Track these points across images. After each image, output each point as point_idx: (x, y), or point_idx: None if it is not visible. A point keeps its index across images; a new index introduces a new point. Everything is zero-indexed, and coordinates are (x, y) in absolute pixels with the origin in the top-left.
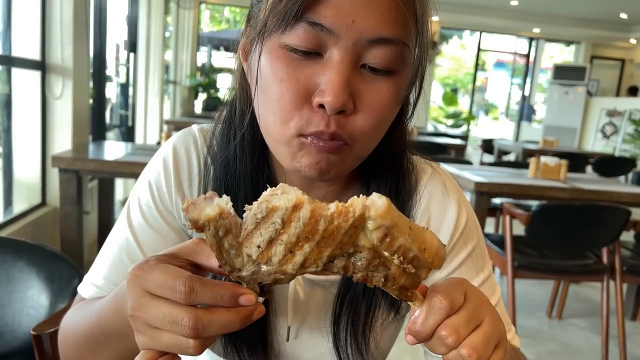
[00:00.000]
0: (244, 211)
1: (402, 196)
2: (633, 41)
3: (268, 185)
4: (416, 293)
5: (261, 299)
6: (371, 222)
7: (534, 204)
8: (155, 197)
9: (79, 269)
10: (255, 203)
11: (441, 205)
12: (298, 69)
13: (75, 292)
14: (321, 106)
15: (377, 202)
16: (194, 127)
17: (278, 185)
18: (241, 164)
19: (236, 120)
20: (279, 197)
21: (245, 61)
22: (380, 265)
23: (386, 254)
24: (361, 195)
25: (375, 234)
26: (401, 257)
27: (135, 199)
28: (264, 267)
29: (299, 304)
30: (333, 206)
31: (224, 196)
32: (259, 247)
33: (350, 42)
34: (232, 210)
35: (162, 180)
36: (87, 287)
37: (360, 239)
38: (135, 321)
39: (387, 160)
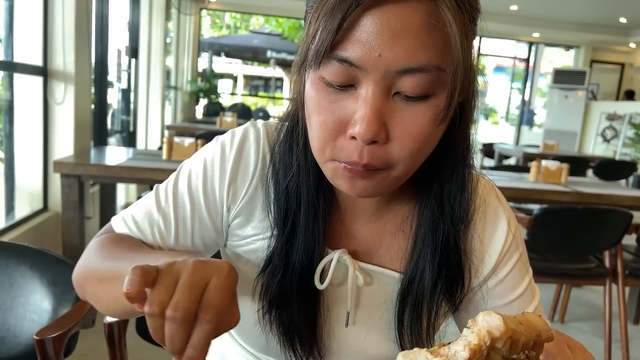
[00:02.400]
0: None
1: (464, 207)
2: (632, 45)
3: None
4: None
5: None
6: (499, 342)
7: (535, 207)
8: (207, 176)
9: None
10: None
11: (495, 213)
12: (334, 102)
13: (78, 297)
14: (354, 138)
15: (494, 322)
16: (260, 122)
17: (399, 357)
18: (304, 171)
19: (299, 130)
20: None
21: (299, 83)
22: None
23: (515, 356)
24: (470, 323)
25: (504, 348)
26: (526, 351)
27: (187, 169)
28: None
29: (357, 291)
30: (466, 351)
31: None
32: None
33: (378, 75)
34: None
35: (217, 164)
36: (119, 222)
37: (492, 358)
38: (185, 266)
39: (450, 169)
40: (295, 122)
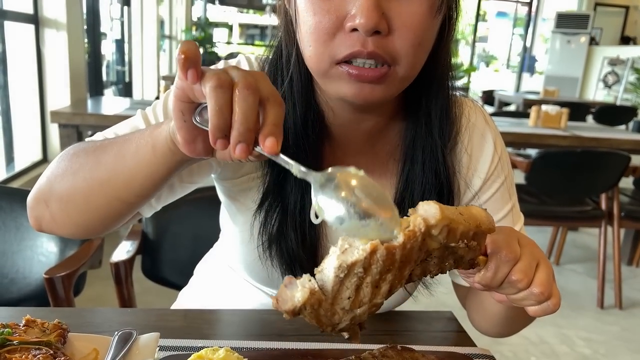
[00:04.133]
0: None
1: (450, 123)
2: None
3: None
4: (480, 257)
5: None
6: (434, 229)
7: (534, 153)
8: None
9: None
10: (331, 268)
11: (482, 136)
12: (328, 0)
13: (82, 240)
14: (354, 30)
15: (431, 210)
16: (250, 56)
17: (340, 241)
18: (290, 103)
19: (283, 61)
20: (351, 251)
21: (289, 6)
22: (450, 255)
23: (453, 244)
24: (410, 211)
25: (441, 235)
26: (465, 240)
27: (161, 102)
28: (358, 311)
29: None
30: (400, 236)
31: (305, 275)
32: (349, 298)
33: None
34: (316, 284)
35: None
36: (97, 137)
37: (430, 245)
38: (245, 72)
39: (432, 84)
40: (278, 55)
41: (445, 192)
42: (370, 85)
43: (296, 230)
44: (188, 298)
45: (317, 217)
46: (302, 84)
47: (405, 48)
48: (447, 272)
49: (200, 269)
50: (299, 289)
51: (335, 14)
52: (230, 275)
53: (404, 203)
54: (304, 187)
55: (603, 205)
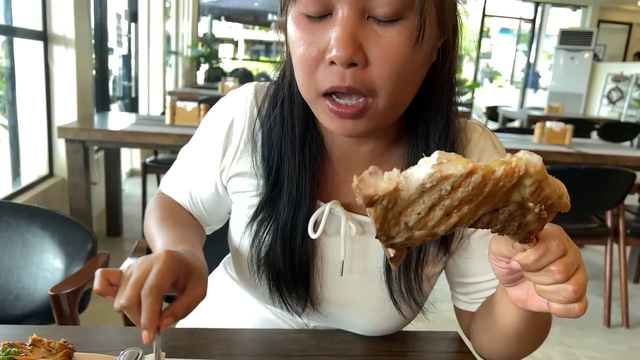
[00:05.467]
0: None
1: (456, 149)
2: None
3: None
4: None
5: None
6: (528, 178)
7: None
8: (206, 141)
9: (91, 232)
10: (422, 173)
11: (480, 144)
12: (312, 32)
13: (88, 256)
14: (333, 63)
15: (533, 159)
16: (253, 83)
17: (436, 153)
18: (289, 123)
19: (285, 84)
20: (449, 165)
21: (284, 31)
22: (520, 216)
23: (531, 205)
24: (509, 156)
25: (529, 189)
26: (542, 206)
27: (196, 134)
28: (416, 233)
29: (350, 240)
30: (501, 169)
31: (394, 169)
32: (419, 214)
33: None
34: (403, 181)
35: (213, 128)
36: (162, 184)
37: (514, 195)
38: (136, 266)
39: (430, 109)
40: (281, 78)
41: None
42: (352, 121)
43: (285, 247)
44: (191, 314)
45: (315, 233)
46: (302, 105)
47: (383, 79)
48: (504, 234)
49: (212, 281)
50: (385, 180)
51: (317, 47)
52: (231, 288)
53: None
54: (296, 205)
55: (609, 223)
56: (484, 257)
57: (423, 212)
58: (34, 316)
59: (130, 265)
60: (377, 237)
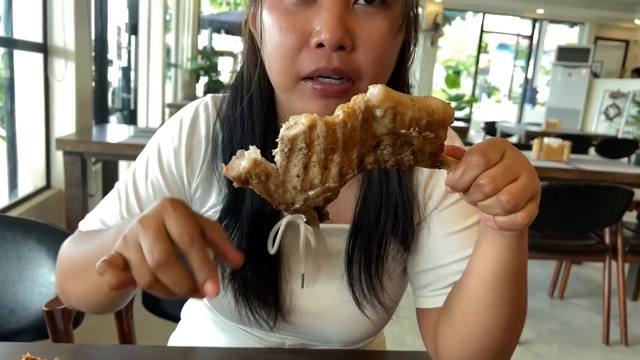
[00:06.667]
0: (273, 160)
1: None
2: (638, 22)
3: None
4: (447, 157)
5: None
6: (377, 110)
7: None
8: (163, 160)
9: None
10: (277, 141)
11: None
12: (294, 15)
13: None
14: (319, 46)
15: (374, 91)
16: (208, 96)
17: (289, 119)
18: (249, 125)
19: (244, 84)
20: (293, 126)
21: (254, 27)
22: (404, 145)
23: (403, 131)
24: (360, 94)
25: (386, 118)
26: (417, 128)
27: (144, 158)
28: (311, 193)
29: (310, 252)
30: (340, 112)
31: (251, 147)
32: (298, 176)
33: None
34: (259, 155)
35: (170, 146)
36: (86, 222)
37: (376, 129)
38: (136, 226)
39: None
40: (240, 78)
41: (401, 211)
42: (336, 101)
43: (252, 259)
44: (178, 343)
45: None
46: (262, 103)
47: (368, 64)
48: (406, 167)
49: (186, 311)
50: (245, 158)
51: (302, 29)
52: (201, 310)
53: (361, 225)
54: (260, 211)
55: (607, 240)
56: (443, 240)
57: (301, 173)
58: (28, 331)
59: (120, 235)
60: (276, 208)
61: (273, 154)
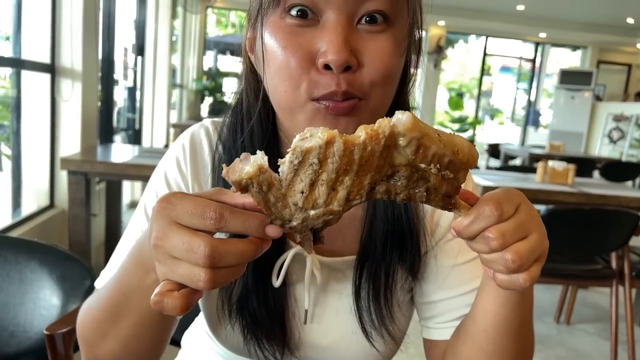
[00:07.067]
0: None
1: None
2: (639, 46)
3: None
4: (460, 201)
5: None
6: (402, 138)
7: (542, 208)
8: (172, 186)
9: (91, 269)
10: (288, 151)
11: None
12: (299, 34)
13: (87, 292)
14: (326, 67)
15: (402, 118)
16: (206, 120)
17: (305, 130)
18: (251, 151)
19: (244, 112)
20: (309, 139)
21: (252, 52)
22: (420, 180)
23: (423, 165)
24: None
25: (409, 149)
26: (437, 165)
27: (152, 192)
28: (312, 212)
29: (317, 288)
30: (363, 133)
31: (258, 152)
32: (302, 192)
33: (341, 1)
34: (266, 163)
35: (177, 172)
36: (102, 279)
37: (396, 158)
38: (157, 251)
39: None
40: (238, 110)
41: (408, 238)
42: (345, 119)
43: (259, 291)
44: None
45: (285, 279)
46: (263, 128)
47: (376, 79)
48: (416, 202)
49: (186, 339)
50: (251, 163)
51: (307, 49)
52: (206, 345)
53: (368, 251)
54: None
55: (614, 264)
56: (451, 271)
57: (306, 189)
58: (28, 354)
59: (148, 253)
60: (271, 222)
61: (278, 163)
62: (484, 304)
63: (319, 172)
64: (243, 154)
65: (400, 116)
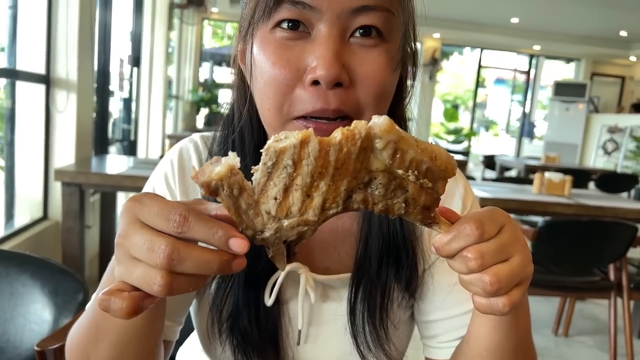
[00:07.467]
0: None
1: None
2: (633, 58)
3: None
4: (440, 217)
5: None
6: (378, 140)
7: (538, 220)
8: None
9: (84, 283)
10: (262, 151)
11: (450, 187)
12: (288, 49)
13: (79, 307)
14: (315, 83)
15: (378, 121)
16: (195, 135)
17: (280, 133)
18: (242, 167)
19: (235, 122)
20: (283, 140)
21: (243, 63)
22: (398, 189)
23: (400, 172)
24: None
25: (386, 152)
26: (415, 172)
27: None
28: (285, 222)
29: (310, 306)
30: (339, 134)
31: (230, 153)
32: (275, 199)
33: (334, 15)
34: (239, 164)
35: (165, 188)
36: (91, 302)
37: (373, 162)
38: (119, 249)
39: None
40: (229, 123)
41: (404, 256)
42: None
43: (249, 307)
44: None
45: (280, 297)
46: (253, 142)
47: (368, 99)
48: (394, 215)
49: (181, 355)
50: (221, 164)
51: (296, 65)
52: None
53: (363, 269)
54: (256, 260)
55: (612, 276)
56: (450, 290)
57: (279, 195)
58: None
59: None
60: (241, 232)
61: (252, 171)
62: (475, 327)
63: (293, 175)
64: (214, 157)
65: (376, 119)
